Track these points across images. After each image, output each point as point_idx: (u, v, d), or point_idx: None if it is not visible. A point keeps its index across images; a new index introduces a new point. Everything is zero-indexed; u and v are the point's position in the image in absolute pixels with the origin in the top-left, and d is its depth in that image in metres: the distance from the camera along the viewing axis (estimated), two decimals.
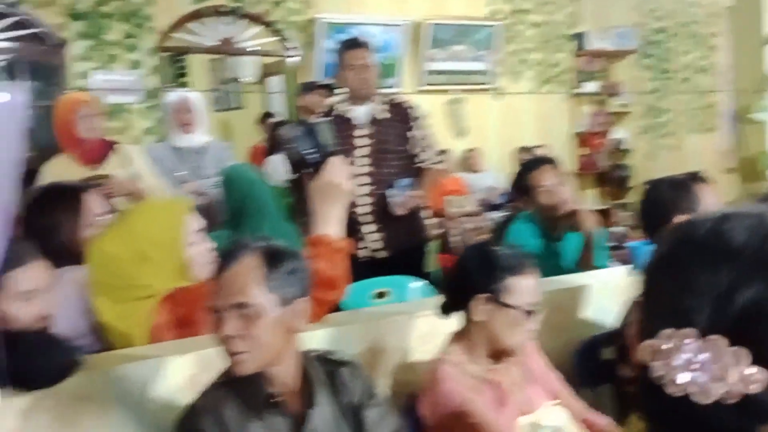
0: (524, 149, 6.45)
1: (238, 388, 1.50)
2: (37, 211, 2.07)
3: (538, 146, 6.47)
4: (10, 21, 4.64)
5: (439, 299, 1.97)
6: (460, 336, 1.89)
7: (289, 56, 5.76)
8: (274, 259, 1.50)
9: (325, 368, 1.62)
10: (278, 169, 3.88)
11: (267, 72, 6.46)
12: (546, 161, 3.06)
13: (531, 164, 3.08)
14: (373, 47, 3.50)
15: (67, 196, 2.22)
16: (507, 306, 1.79)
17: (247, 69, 6.50)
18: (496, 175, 6.29)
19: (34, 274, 1.70)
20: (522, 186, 3.00)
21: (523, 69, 6.82)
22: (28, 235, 1.72)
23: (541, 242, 2.95)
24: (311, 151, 1.99)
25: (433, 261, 3.93)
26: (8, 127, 1.56)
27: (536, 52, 6.88)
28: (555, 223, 2.96)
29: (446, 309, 1.93)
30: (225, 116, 6.79)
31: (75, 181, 2.73)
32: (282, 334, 1.50)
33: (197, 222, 2.03)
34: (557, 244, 2.97)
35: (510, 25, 6.65)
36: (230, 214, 2.89)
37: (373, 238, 3.36)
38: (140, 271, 1.91)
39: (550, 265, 2.76)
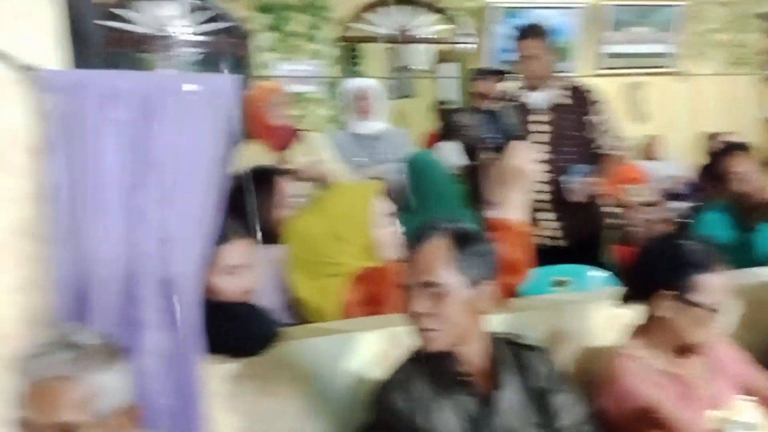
0: (712, 136, 6.08)
1: (428, 366, 1.55)
2: (238, 193, 2.23)
3: (728, 132, 6.07)
4: (207, 15, 4.98)
5: (620, 290, 1.92)
6: (641, 329, 1.84)
7: (462, 43, 5.77)
8: (463, 241, 1.53)
9: (513, 351, 1.63)
10: (451, 155, 3.92)
11: (440, 59, 6.50)
12: (740, 147, 2.89)
13: (724, 150, 2.92)
14: (549, 34, 3.42)
15: (265, 179, 2.37)
16: (693, 304, 1.71)
17: (421, 57, 6.57)
18: (677, 163, 5.97)
19: (240, 250, 1.83)
20: (713, 173, 2.85)
21: (709, 51, 6.43)
22: (230, 215, 1.85)
23: (734, 233, 2.79)
24: (494, 135, 2.00)
25: (610, 251, 3.82)
26: (220, 115, 1.70)
27: (724, 32, 6.45)
28: (749, 213, 2.79)
29: (627, 300, 1.88)
30: (397, 104, 6.91)
31: (271, 165, 2.90)
32: (470, 314, 1.53)
33: (386, 205, 2.11)
34: (751, 235, 2.79)
35: (696, 5, 6.28)
36: (409, 199, 2.96)
37: (550, 226, 3.31)
38: (334, 250, 2.02)
39: (744, 257, 2.61)
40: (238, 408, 1.74)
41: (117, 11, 4.57)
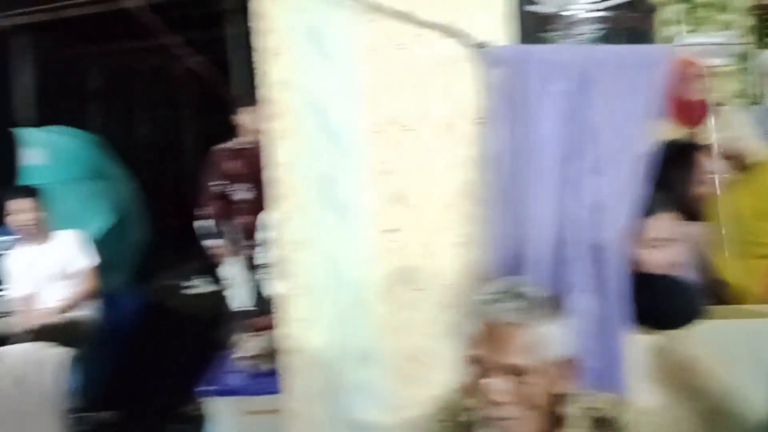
0: None
1: None
2: (660, 166, 2.18)
3: None
4: None
5: None
6: None
7: None
8: None
9: None
10: None
11: None
12: None
13: None
14: None
15: (684, 154, 2.29)
16: None
17: None
18: None
19: (665, 224, 1.80)
20: None
21: None
22: (654, 188, 1.83)
23: None
24: None
25: None
26: (649, 87, 1.69)
27: None
28: None
29: None
30: None
31: (689, 140, 2.79)
32: None
33: None
34: None
35: None
36: None
37: None
38: (762, 229, 1.89)
39: None
40: (659, 380, 1.73)
41: None
